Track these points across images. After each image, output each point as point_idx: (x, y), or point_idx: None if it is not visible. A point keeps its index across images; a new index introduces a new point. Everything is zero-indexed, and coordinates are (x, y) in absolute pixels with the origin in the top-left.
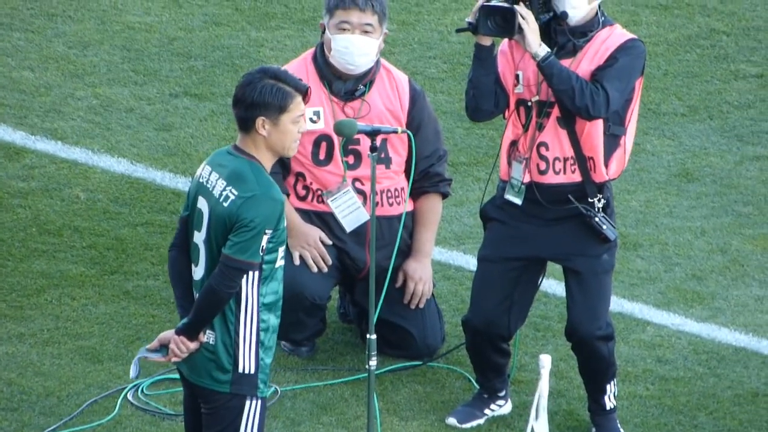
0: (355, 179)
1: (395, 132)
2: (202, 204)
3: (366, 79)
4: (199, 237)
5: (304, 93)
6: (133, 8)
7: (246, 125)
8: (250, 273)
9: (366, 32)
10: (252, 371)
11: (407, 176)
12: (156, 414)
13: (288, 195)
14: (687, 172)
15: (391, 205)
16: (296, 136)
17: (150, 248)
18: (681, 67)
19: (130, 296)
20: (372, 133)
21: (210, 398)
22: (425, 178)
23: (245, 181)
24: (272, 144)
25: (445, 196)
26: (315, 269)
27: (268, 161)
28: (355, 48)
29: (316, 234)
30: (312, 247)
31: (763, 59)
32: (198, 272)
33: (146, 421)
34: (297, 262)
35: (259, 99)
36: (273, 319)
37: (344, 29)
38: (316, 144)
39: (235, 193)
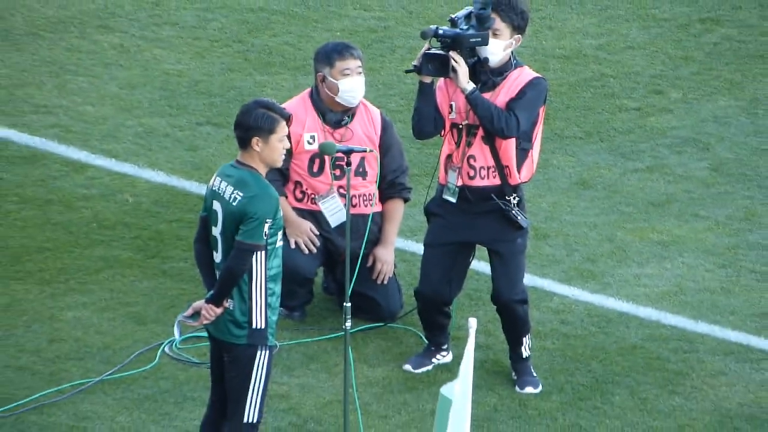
0: (340, 187)
1: (364, 151)
2: (217, 206)
3: (350, 111)
4: (216, 231)
5: (287, 119)
6: (168, 59)
7: (244, 143)
8: (258, 253)
9: (359, 73)
10: (263, 326)
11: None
12: (186, 362)
13: (286, 196)
14: (583, 181)
15: (365, 206)
16: (282, 151)
17: (181, 239)
18: (579, 102)
19: (167, 275)
20: (347, 152)
21: (230, 349)
22: (392, 187)
23: (248, 185)
24: (264, 157)
25: (406, 200)
26: (306, 252)
27: (263, 170)
28: (359, 86)
29: (306, 225)
30: (304, 234)
31: (640, 96)
32: (218, 257)
33: (179, 368)
34: (293, 246)
35: (253, 123)
36: (277, 287)
37: (347, 74)
38: (311, 160)
39: (241, 194)
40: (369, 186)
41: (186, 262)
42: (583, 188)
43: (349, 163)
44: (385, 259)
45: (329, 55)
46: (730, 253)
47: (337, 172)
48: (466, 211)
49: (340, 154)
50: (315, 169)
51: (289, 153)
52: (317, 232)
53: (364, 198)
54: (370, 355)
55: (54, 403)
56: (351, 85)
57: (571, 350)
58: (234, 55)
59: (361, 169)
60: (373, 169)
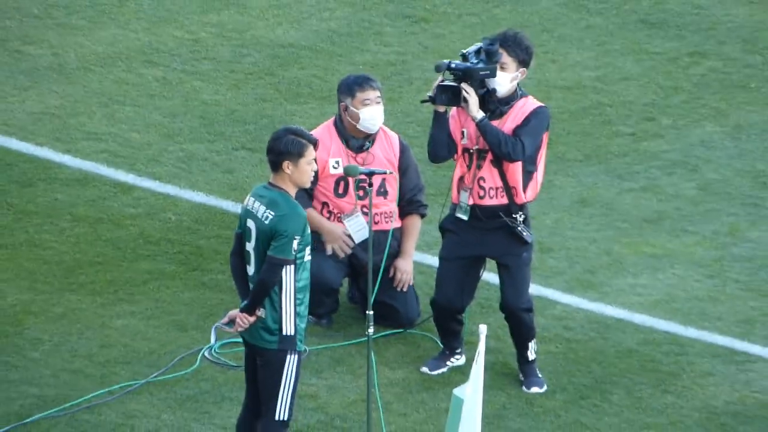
0: (363, 206)
1: (385, 173)
2: (250, 224)
3: (371, 137)
4: (250, 246)
5: (315, 144)
6: (207, 90)
7: (276, 167)
8: (287, 267)
9: (378, 102)
10: (292, 333)
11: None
12: (224, 365)
13: (313, 207)
14: (583, 200)
15: (386, 223)
16: (310, 174)
17: (219, 253)
18: (579, 129)
19: (206, 286)
20: (369, 174)
21: (263, 353)
22: (410, 204)
23: (278, 205)
24: (294, 179)
25: (422, 216)
26: (342, 255)
27: (292, 191)
28: (378, 115)
29: (339, 230)
30: (339, 239)
31: (634, 123)
32: (251, 270)
33: (217, 371)
34: (329, 252)
35: (284, 148)
36: (305, 297)
37: (368, 104)
38: (337, 183)
39: (273, 213)
40: (389, 204)
41: (223, 274)
42: (583, 206)
43: (371, 184)
44: (405, 269)
45: (351, 86)
46: (717, 264)
47: (361, 192)
48: (476, 227)
49: (363, 177)
50: (340, 190)
51: (316, 175)
52: (349, 232)
53: (385, 215)
54: (390, 359)
55: (104, 403)
56: (371, 114)
57: (573, 353)
58: (266, 86)
59: (382, 189)
60: (393, 189)
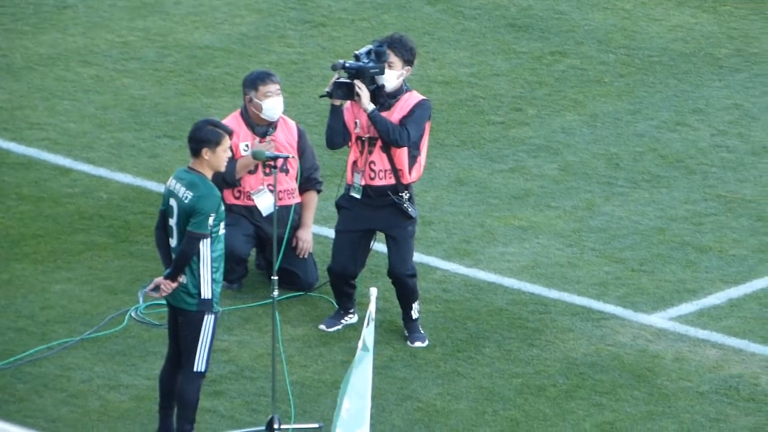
0: (269, 184)
1: (287, 157)
2: (173, 202)
3: (273, 124)
4: (172, 221)
5: (230, 134)
6: (134, 86)
7: (196, 153)
8: (204, 240)
9: (278, 94)
10: (209, 297)
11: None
12: (148, 324)
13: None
14: (460, 179)
15: (289, 199)
16: (225, 159)
17: (145, 227)
18: (456, 118)
19: (134, 255)
20: (273, 158)
21: (184, 314)
22: (307, 181)
23: (197, 187)
24: (212, 164)
25: (319, 192)
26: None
27: (209, 174)
28: (279, 105)
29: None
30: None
31: (504, 113)
32: (173, 242)
33: (143, 329)
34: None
35: (203, 137)
36: (220, 265)
37: (269, 96)
38: None
39: (191, 194)
40: (291, 182)
41: (148, 245)
42: (460, 185)
43: (275, 166)
44: (305, 238)
45: (254, 81)
46: (575, 235)
47: (267, 170)
48: (368, 205)
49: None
50: (251, 168)
51: (231, 159)
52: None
53: (288, 192)
54: (293, 318)
55: (45, 357)
56: (272, 104)
57: (450, 312)
58: (186, 82)
59: (284, 167)
60: (293, 168)
